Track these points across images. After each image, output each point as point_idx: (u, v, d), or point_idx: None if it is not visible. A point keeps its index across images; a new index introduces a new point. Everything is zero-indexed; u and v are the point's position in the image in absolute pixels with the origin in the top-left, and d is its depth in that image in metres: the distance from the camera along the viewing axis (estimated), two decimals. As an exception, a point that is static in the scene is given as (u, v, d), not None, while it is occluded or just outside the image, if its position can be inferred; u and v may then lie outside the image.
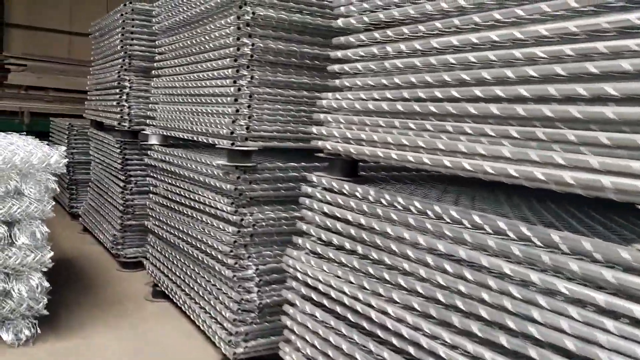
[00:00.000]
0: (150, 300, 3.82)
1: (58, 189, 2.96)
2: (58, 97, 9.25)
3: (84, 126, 6.25)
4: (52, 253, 2.90)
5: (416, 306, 1.61)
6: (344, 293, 1.85)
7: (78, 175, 6.25)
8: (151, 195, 3.90)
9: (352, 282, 1.84)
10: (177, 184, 3.42)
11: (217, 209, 2.86)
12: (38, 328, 2.99)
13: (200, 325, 3.10)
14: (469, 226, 1.51)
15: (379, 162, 1.90)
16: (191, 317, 3.24)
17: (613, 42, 1.19)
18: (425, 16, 1.69)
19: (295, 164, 2.88)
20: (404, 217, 1.68)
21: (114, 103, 4.67)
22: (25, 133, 3.58)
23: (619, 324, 1.13)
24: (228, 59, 2.82)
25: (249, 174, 2.73)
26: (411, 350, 1.63)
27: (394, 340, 1.68)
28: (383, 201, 1.78)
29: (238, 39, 2.73)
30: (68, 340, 3.06)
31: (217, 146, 2.83)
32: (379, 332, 1.75)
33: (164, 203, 3.65)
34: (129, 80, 4.56)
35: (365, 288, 1.80)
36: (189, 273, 3.25)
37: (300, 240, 2.18)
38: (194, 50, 3.27)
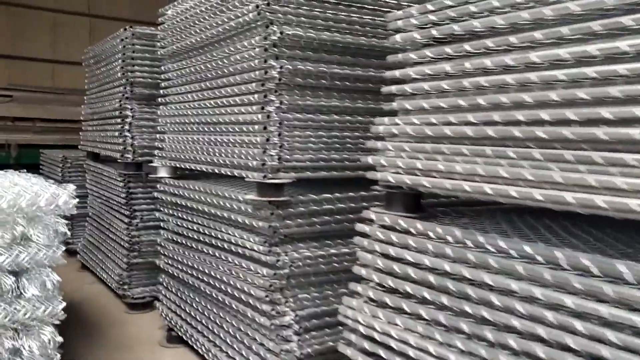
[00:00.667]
0: (165, 347, 3.51)
1: (69, 233, 2.67)
2: (46, 128, 8.94)
3: (78, 158, 5.97)
4: (64, 304, 2.59)
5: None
6: (427, 353, 1.58)
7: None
8: (162, 231, 3.61)
9: (438, 341, 1.56)
10: (194, 220, 3.14)
11: (247, 248, 2.59)
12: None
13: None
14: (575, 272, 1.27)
15: (457, 197, 1.66)
16: (216, 366, 2.94)
17: None
18: (514, 27, 1.47)
19: (329, 195, 2.63)
20: (505, 264, 1.43)
21: (116, 134, 4.37)
22: (17, 168, 3.29)
23: None
24: (254, 84, 2.57)
25: (282, 209, 2.47)
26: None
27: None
28: (469, 243, 1.53)
29: (265, 61, 2.49)
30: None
31: (246, 179, 2.56)
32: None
33: (178, 240, 3.36)
34: (131, 109, 4.26)
35: (458, 348, 1.53)
36: (212, 318, 2.95)
37: (359, 288, 1.90)
38: (210, 75, 3.02)
